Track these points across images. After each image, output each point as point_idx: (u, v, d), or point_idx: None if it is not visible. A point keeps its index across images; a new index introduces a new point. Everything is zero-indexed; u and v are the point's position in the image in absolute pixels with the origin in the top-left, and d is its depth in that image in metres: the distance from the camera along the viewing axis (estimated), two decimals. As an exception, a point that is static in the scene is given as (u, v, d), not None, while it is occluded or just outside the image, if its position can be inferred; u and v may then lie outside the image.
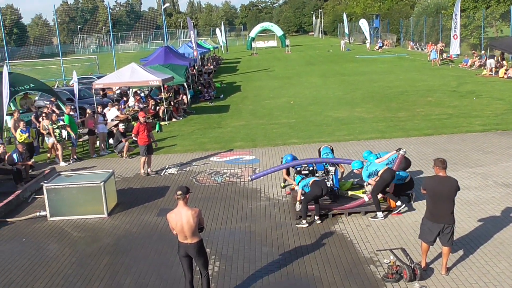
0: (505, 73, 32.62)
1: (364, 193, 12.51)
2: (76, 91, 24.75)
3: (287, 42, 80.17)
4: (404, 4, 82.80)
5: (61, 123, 18.56)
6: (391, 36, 74.54)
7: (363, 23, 76.73)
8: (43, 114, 19.39)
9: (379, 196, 11.39)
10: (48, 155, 18.75)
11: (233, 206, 12.78)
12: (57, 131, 18.01)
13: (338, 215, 11.64)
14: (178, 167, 16.69)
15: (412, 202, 12.07)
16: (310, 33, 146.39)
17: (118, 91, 31.00)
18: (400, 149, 11.78)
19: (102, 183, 12.54)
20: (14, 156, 15.78)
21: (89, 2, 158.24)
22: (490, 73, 34.08)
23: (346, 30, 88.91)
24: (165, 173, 16.17)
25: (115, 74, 25.93)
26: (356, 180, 13.54)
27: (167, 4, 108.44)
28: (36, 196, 14.35)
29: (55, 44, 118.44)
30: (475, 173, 14.10)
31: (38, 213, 12.85)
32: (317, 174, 12.42)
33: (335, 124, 21.70)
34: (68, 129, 18.47)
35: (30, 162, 16.40)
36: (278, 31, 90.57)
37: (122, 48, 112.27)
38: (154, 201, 13.49)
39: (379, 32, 78.84)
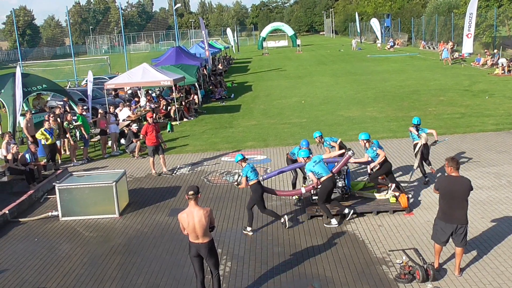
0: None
1: (375, 192, 12.48)
2: (90, 91, 24.85)
3: (298, 41, 79.92)
4: (415, 3, 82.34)
5: (75, 123, 18.70)
6: (403, 35, 74.15)
7: (374, 23, 76.43)
8: (52, 116, 19.46)
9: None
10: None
11: (244, 206, 12.75)
12: (73, 131, 18.10)
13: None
14: (190, 167, 16.71)
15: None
16: (321, 33, 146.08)
17: (130, 91, 31.11)
18: (349, 149, 12.21)
19: (114, 183, 12.58)
20: (27, 156, 15.88)
21: (101, 3, 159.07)
22: (503, 72, 33.79)
23: (358, 30, 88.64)
24: (177, 173, 16.20)
25: (126, 75, 26.03)
26: (367, 179, 13.48)
27: (178, 5, 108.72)
28: (49, 196, 14.43)
29: (67, 45, 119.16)
30: (488, 172, 13.98)
31: (50, 213, 12.91)
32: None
33: (347, 123, 21.62)
34: (82, 129, 18.57)
35: (43, 163, 16.49)
36: (289, 31, 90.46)
37: (134, 48, 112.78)
38: (165, 201, 13.51)
39: (391, 31, 78.49)
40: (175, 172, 16.30)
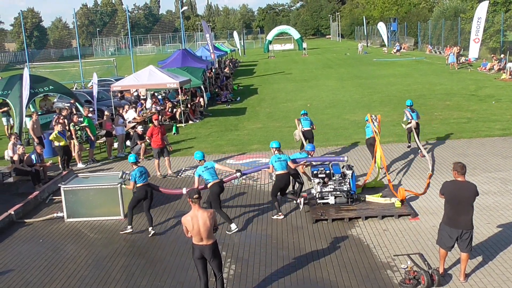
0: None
1: (381, 197, 12.46)
2: (95, 93, 24.92)
3: (304, 45, 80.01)
4: (422, 7, 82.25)
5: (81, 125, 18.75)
6: (409, 40, 74.07)
7: (381, 27, 76.39)
8: (61, 118, 19.51)
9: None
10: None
11: (249, 209, 12.75)
12: (79, 132, 18.15)
13: (355, 219, 11.57)
14: (195, 170, 16.66)
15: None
16: (327, 36, 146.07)
17: (136, 93, 31.18)
18: (239, 170, 12.90)
19: (119, 185, 12.59)
20: (33, 157, 15.94)
21: (108, 6, 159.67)
22: (510, 77, 33.66)
23: (365, 33, 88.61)
24: (182, 175, 16.21)
25: (133, 77, 26.10)
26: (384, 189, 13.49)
27: (185, 8, 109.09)
28: (54, 197, 14.45)
29: (74, 47, 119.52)
30: (494, 178, 13.92)
31: (55, 214, 12.93)
32: (334, 178, 12.36)
33: (353, 127, 21.58)
34: (88, 130, 18.62)
35: (48, 164, 16.52)
36: (295, 34, 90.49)
37: (140, 50, 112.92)
38: (170, 203, 13.52)
39: (397, 35, 78.39)
40: (180, 174, 16.30)
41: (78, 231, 12.06)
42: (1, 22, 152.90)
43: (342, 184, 12.23)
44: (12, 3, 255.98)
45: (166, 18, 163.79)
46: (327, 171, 12.49)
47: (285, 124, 23.12)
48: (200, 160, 12.15)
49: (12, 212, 12.91)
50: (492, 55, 42.45)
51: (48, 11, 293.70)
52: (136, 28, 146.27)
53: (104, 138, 19.75)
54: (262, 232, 11.29)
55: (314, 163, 13.00)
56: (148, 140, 16.77)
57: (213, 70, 40.87)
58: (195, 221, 7.83)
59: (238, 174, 12.72)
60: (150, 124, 17.31)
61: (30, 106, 22.07)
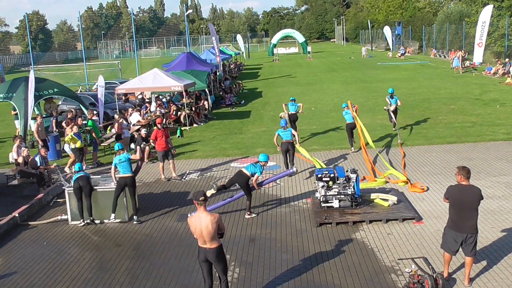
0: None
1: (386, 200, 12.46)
2: (101, 96, 24.91)
3: (309, 48, 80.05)
4: (426, 11, 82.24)
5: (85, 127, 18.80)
6: (414, 43, 74.05)
7: (387, 31, 76.35)
8: (70, 120, 19.55)
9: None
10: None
11: (253, 212, 12.73)
12: (83, 135, 18.20)
13: (359, 222, 11.56)
14: (199, 173, 16.73)
15: None
16: (332, 40, 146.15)
17: (140, 96, 31.24)
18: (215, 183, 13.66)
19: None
20: (37, 159, 15.97)
21: (113, 8, 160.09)
22: (515, 81, 33.62)
23: (370, 37, 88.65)
24: (186, 178, 16.22)
25: (137, 80, 26.16)
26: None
27: (190, 11, 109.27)
28: (58, 200, 14.49)
29: (79, 50, 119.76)
30: (499, 182, 13.88)
31: (59, 217, 12.96)
32: (338, 182, 12.34)
33: (356, 131, 21.49)
34: (92, 133, 18.66)
35: (53, 166, 16.54)
36: (300, 38, 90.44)
37: (145, 53, 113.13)
38: (174, 207, 13.52)
39: (401, 39, 78.38)
40: (184, 177, 16.32)
41: (82, 234, 12.08)
42: (7, 24, 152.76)
43: (347, 187, 12.22)
44: (17, 6, 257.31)
45: (171, 21, 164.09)
46: (332, 175, 12.45)
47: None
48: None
49: (17, 215, 12.94)
50: (497, 59, 42.42)
51: (53, 14, 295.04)
52: (141, 31, 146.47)
53: (108, 141, 19.77)
54: (266, 235, 11.28)
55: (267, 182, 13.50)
56: (153, 144, 16.79)
57: (217, 73, 40.79)
58: (198, 223, 7.83)
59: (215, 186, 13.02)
60: (155, 127, 17.33)
61: (35, 108, 22.12)
